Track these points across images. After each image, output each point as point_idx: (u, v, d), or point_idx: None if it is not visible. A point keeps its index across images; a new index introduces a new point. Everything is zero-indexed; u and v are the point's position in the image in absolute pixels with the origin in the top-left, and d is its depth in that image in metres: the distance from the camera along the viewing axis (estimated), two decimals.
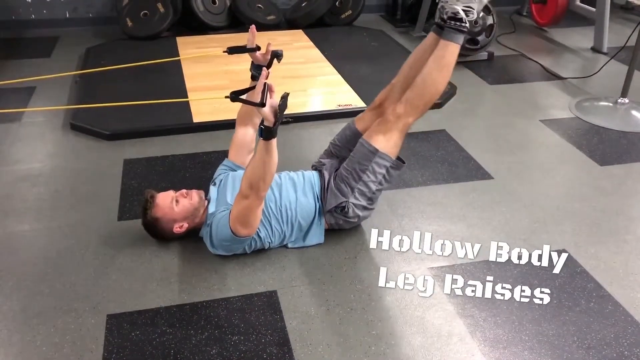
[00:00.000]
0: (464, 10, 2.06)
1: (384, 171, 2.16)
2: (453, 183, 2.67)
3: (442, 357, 1.77)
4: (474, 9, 2.07)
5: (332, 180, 2.20)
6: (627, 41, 3.51)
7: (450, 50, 2.09)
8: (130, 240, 2.25)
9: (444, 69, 2.10)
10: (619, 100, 3.39)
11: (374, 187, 2.17)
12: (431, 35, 2.22)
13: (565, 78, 3.90)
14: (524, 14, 5.29)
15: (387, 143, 2.14)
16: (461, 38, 2.08)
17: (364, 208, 2.20)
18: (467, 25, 2.07)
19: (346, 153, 2.26)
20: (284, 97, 1.79)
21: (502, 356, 1.77)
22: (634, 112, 3.34)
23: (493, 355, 1.78)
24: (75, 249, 2.22)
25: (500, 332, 1.86)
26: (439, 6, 2.14)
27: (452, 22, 2.07)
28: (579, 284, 2.06)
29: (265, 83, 1.78)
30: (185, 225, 2.15)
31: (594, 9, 4.40)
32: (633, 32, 3.33)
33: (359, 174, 2.15)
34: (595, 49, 4.43)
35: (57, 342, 1.80)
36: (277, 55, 1.98)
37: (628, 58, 3.38)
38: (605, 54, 4.31)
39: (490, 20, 4.02)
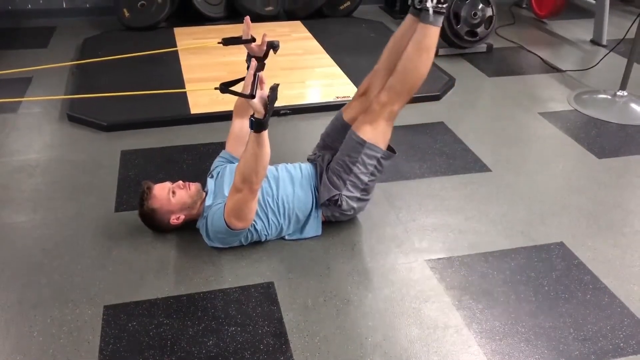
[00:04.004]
0: None
1: (374, 162, 2.14)
2: (451, 175, 2.66)
3: (439, 348, 1.77)
4: None
5: (324, 173, 2.20)
6: (626, 34, 3.49)
7: (430, 33, 2.03)
8: (127, 231, 2.25)
9: (424, 53, 2.05)
10: (618, 93, 3.38)
11: (365, 178, 2.16)
12: (409, 19, 2.16)
13: (564, 70, 3.89)
14: (524, 5, 5.26)
15: (374, 133, 2.11)
16: (440, 20, 2.02)
17: (358, 199, 2.20)
18: (445, 6, 2.01)
19: (337, 145, 2.24)
20: (274, 89, 1.78)
21: (499, 348, 1.78)
22: (632, 105, 3.33)
23: (489, 347, 1.78)
24: (72, 240, 2.21)
25: (496, 324, 1.86)
26: None
27: (430, 3, 1.99)
28: (576, 276, 2.06)
29: (255, 74, 1.76)
30: (182, 216, 2.14)
31: (593, 1, 4.38)
32: (632, 24, 3.32)
33: (350, 166, 2.13)
34: (595, 42, 4.42)
35: (54, 333, 1.80)
36: (273, 46, 1.96)
37: (627, 51, 3.37)
38: (604, 46, 4.30)
39: (489, 12, 4.00)
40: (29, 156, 2.80)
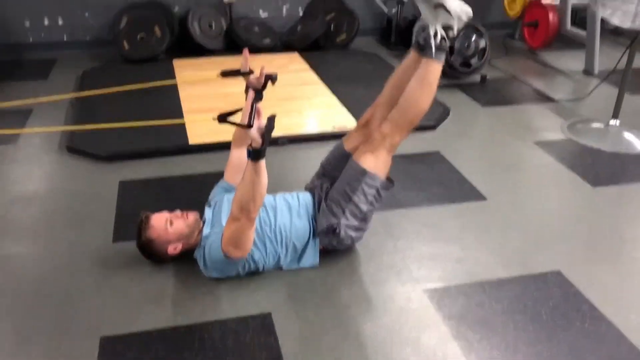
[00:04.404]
0: (444, 28, 2.07)
1: (374, 191, 2.17)
2: (448, 204, 2.68)
3: None
4: (453, 27, 2.08)
5: (323, 201, 2.21)
6: (617, 64, 3.56)
7: (432, 68, 2.09)
8: (125, 261, 2.25)
9: (426, 88, 2.10)
10: (611, 122, 3.42)
11: (364, 207, 2.17)
12: (412, 54, 2.22)
13: (558, 100, 3.94)
14: (516, 37, 5.36)
15: (375, 163, 2.15)
16: (443, 56, 2.09)
17: (356, 229, 2.21)
18: (448, 43, 2.08)
19: (336, 173, 2.26)
20: (271, 119, 1.80)
21: None
22: (625, 134, 3.38)
23: None
24: (70, 271, 2.21)
25: (495, 353, 1.85)
26: (417, 26, 2.15)
27: (433, 40, 2.06)
28: (574, 305, 2.06)
29: (252, 104, 1.79)
30: (180, 246, 2.15)
31: (584, 33, 4.47)
32: (622, 55, 3.38)
33: (349, 195, 2.15)
34: (587, 72, 4.49)
35: None
36: (271, 78, 2.00)
37: (618, 81, 3.42)
38: (596, 76, 4.37)
39: (482, 44, 4.08)
40: (27, 187, 2.81)
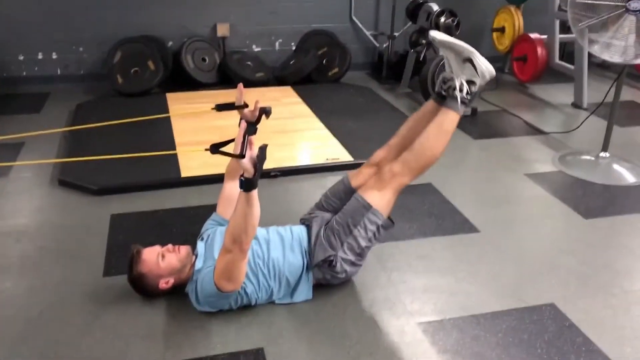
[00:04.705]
0: (467, 82, 2.15)
1: (374, 228, 2.18)
2: (440, 236, 2.68)
3: None
4: (476, 83, 2.16)
5: (322, 231, 2.20)
6: (605, 97, 3.62)
7: (450, 118, 2.16)
8: (116, 296, 2.22)
9: (442, 136, 2.17)
10: (600, 155, 3.46)
11: (363, 243, 2.18)
12: (430, 103, 2.29)
13: (548, 133, 3.99)
14: (506, 70, 5.46)
15: (380, 200, 2.17)
16: (462, 108, 2.16)
17: (352, 264, 2.20)
18: (470, 97, 2.16)
19: (338, 207, 2.28)
20: (262, 148, 1.82)
21: None
22: (615, 166, 3.41)
23: None
24: (59, 307, 2.18)
25: None
26: (441, 76, 2.23)
27: (455, 92, 2.15)
28: (568, 338, 2.05)
29: (245, 135, 1.80)
30: (172, 280, 2.12)
31: (572, 67, 4.55)
32: (610, 89, 3.44)
33: (350, 228, 2.16)
34: (576, 105, 4.56)
35: None
36: (265, 112, 2.02)
37: (607, 114, 3.47)
38: (585, 109, 4.44)
39: None
40: (17, 221, 2.78)
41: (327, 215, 2.30)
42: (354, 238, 2.16)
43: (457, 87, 2.14)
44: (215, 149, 1.85)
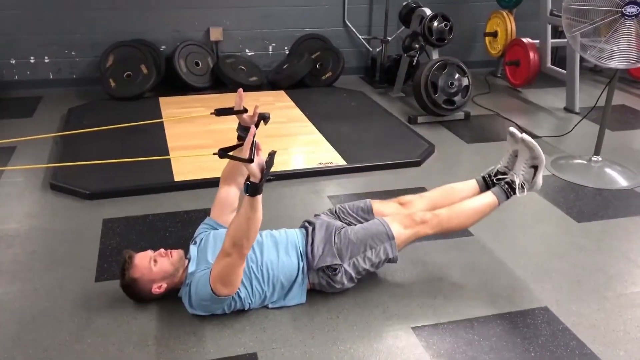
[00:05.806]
0: (521, 182, 2.32)
1: (384, 258, 2.22)
2: (434, 240, 2.68)
3: None
4: (524, 189, 2.33)
5: (334, 237, 2.22)
6: (596, 102, 3.64)
7: (491, 204, 2.33)
8: (108, 301, 2.20)
9: (477, 215, 2.33)
10: (593, 158, 3.48)
11: (367, 265, 2.21)
12: (473, 183, 2.47)
13: (540, 137, 4.00)
14: (499, 75, 5.47)
15: (401, 236, 2.24)
16: (504, 199, 2.33)
17: (350, 279, 2.22)
18: (516, 194, 2.32)
19: (352, 221, 2.36)
20: (271, 155, 1.83)
21: None
22: (607, 170, 3.42)
23: None
24: (50, 312, 2.16)
25: None
26: (497, 167, 2.41)
27: (507, 186, 2.33)
28: (562, 342, 2.05)
29: (253, 140, 1.81)
30: (164, 285, 2.11)
31: (564, 71, 4.58)
32: (602, 93, 3.46)
33: (366, 248, 2.20)
34: (568, 109, 4.59)
35: None
36: (264, 117, 2.05)
37: (599, 118, 3.49)
38: (577, 113, 4.46)
39: (465, 82, 4.16)
40: (8, 226, 2.76)
41: (338, 223, 2.32)
42: (363, 257, 2.20)
43: (518, 185, 2.31)
44: (224, 153, 1.86)
